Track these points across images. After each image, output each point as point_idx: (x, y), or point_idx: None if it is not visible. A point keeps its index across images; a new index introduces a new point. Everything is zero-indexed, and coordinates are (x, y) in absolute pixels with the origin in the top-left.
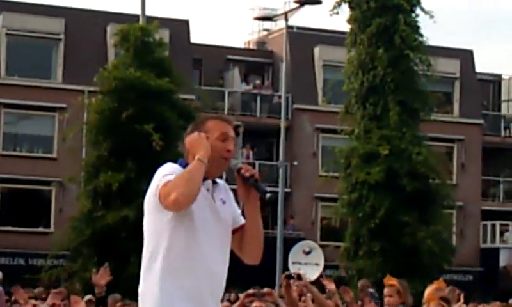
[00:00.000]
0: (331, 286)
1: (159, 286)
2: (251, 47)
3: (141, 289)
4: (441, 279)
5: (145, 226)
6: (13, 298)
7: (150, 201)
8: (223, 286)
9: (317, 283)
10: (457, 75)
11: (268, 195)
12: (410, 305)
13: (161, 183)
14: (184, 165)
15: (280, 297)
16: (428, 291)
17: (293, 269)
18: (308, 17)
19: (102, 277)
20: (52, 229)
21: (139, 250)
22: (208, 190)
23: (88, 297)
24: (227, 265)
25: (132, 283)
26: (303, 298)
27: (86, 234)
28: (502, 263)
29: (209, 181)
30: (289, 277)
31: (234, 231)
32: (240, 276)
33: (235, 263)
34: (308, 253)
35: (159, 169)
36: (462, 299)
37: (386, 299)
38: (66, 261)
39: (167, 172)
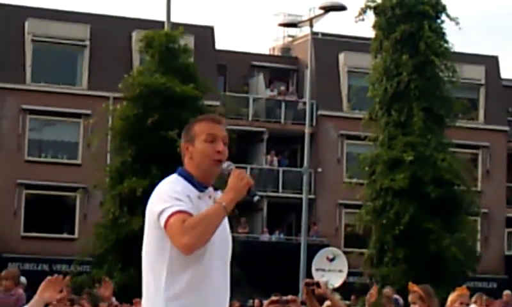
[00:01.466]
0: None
1: (164, 303)
2: (276, 53)
3: (145, 297)
4: (464, 286)
5: (147, 238)
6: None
7: (151, 219)
8: (227, 299)
9: (340, 289)
10: (482, 81)
11: (256, 198)
12: None
13: (169, 211)
14: (184, 175)
15: (302, 303)
16: (451, 297)
17: (316, 276)
18: (333, 23)
19: (105, 289)
20: (76, 235)
21: None
22: (210, 197)
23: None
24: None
25: None
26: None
27: (110, 240)
28: None
29: (211, 189)
30: (308, 285)
31: None
32: (264, 283)
33: (260, 270)
34: (331, 260)
35: (162, 184)
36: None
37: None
38: (91, 267)
39: (174, 195)
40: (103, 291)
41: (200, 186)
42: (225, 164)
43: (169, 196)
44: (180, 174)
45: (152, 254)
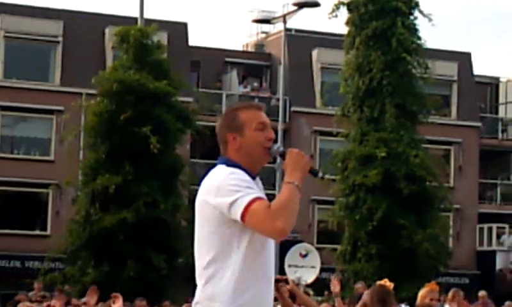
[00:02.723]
0: (336, 288)
1: (231, 296)
2: (249, 49)
3: (208, 294)
4: (433, 282)
5: (206, 235)
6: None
7: (214, 214)
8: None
9: (313, 285)
10: (455, 77)
11: (320, 174)
12: None
13: (246, 199)
14: (234, 165)
15: (275, 299)
16: (421, 293)
17: (289, 272)
18: (306, 20)
19: (90, 297)
20: (48, 232)
21: (136, 253)
22: (258, 186)
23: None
24: None
25: (129, 286)
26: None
27: (83, 237)
28: (498, 266)
29: (259, 180)
30: (277, 281)
31: None
32: None
33: None
34: (304, 256)
35: (219, 176)
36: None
37: None
38: (63, 264)
39: (244, 183)
40: (89, 300)
41: (250, 176)
42: (276, 146)
43: (237, 185)
44: (229, 165)
45: (215, 249)
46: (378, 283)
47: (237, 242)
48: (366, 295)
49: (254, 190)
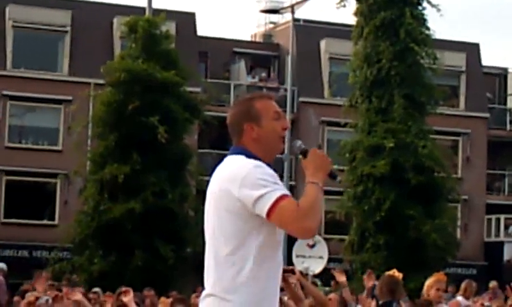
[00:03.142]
0: (341, 278)
1: (248, 290)
2: (258, 39)
3: (224, 287)
4: (441, 272)
5: (222, 225)
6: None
7: (236, 205)
8: None
9: (321, 275)
10: (463, 68)
11: (338, 178)
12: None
13: (274, 196)
14: (254, 157)
15: (281, 290)
16: (428, 283)
17: (297, 262)
18: (314, 10)
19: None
20: (56, 221)
21: (143, 243)
22: None
23: (96, 289)
24: None
25: (136, 276)
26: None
27: (91, 227)
28: (506, 257)
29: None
30: (284, 271)
31: None
32: None
33: None
34: (312, 246)
35: (245, 166)
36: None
37: None
38: (71, 254)
39: (271, 178)
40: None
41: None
42: (298, 143)
43: (264, 179)
44: (248, 156)
45: (233, 242)
46: (387, 273)
47: (256, 237)
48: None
49: (280, 186)
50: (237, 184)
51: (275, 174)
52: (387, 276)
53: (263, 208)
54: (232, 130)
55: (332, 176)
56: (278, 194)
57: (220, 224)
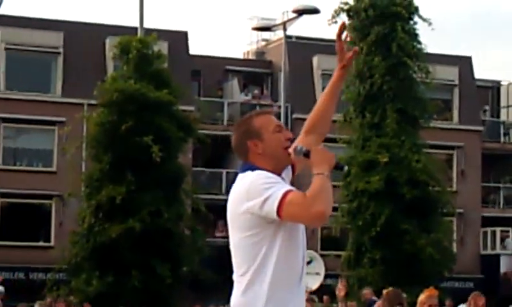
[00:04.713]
0: (342, 292)
1: (266, 303)
2: (250, 57)
3: (243, 303)
4: (432, 287)
5: (238, 243)
6: None
7: (245, 218)
8: None
9: (318, 292)
10: (456, 82)
11: (346, 167)
12: None
13: (279, 193)
14: (260, 169)
15: None
16: (420, 299)
17: None
18: (306, 27)
19: None
20: (52, 243)
21: (140, 263)
22: None
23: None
24: None
25: (134, 296)
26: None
27: (86, 248)
28: (502, 270)
29: (289, 168)
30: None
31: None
32: None
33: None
34: (308, 263)
35: (247, 180)
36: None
37: None
38: (67, 275)
39: (274, 180)
40: None
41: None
42: (298, 146)
43: (267, 182)
44: (254, 170)
45: (248, 256)
46: (391, 288)
47: (270, 248)
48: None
49: (284, 184)
50: (244, 198)
51: (278, 177)
52: (392, 290)
53: (272, 208)
54: (238, 152)
55: (338, 167)
56: (283, 190)
57: (234, 241)
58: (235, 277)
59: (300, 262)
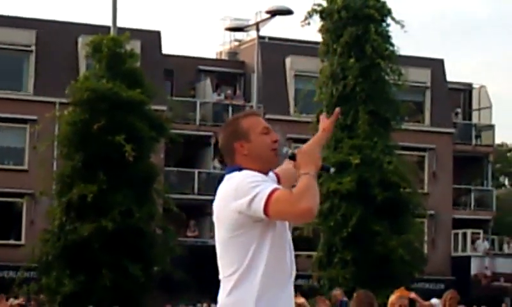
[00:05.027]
0: (299, 299)
1: (255, 302)
2: (223, 57)
3: (231, 303)
4: (402, 288)
5: (226, 243)
6: None
7: (233, 217)
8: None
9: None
10: (428, 84)
11: (332, 169)
12: None
13: (266, 191)
14: (245, 169)
15: None
16: (391, 300)
17: None
18: (279, 28)
19: None
20: (23, 241)
21: (111, 262)
22: None
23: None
24: None
25: (105, 295)
26: None
27: (57, 247)
28: (473, 271)
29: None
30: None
31: None
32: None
33: (208, 274)
34: None
35: (234, 180)
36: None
37: None
38: (37, 274)
39: (260, 178)
40: None
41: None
42: (284, 149)
43: (254, 181)
44: (241, 170)
45: (236, 256)
46: (361, 290)
47: (258, 247)
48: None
49: (271, 182)
50: (232, 197)
51: (265, 176)
52: (362, 292)
53: (259, 205)
54: (224, 152)
55: (325, 168)
56: (270, 188)
57: (222, 240)
58: (221, 277)
59: (288, 262)
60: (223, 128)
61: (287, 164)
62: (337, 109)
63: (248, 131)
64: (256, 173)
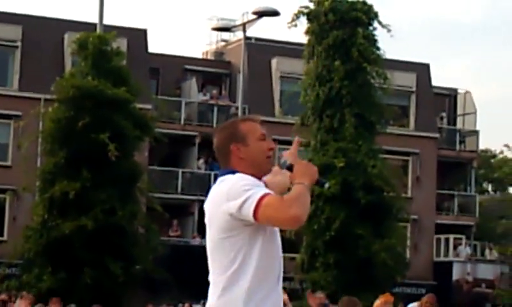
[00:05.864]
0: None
1: (245, 300)
2: (209, 57)
3: (220, 304)
4: (388, 293)
5: (217, 244)
6: None
7: (225, 219)
8: None
9: None
10: (414, 88)
11: (327, 185)
12: None
13: (257, 195)
14: (235, 173)
15: None
16: (376, 304)
17: None
18: (266, 29)
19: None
20: (5, 237)
21: (93, 260)
22: None
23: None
24: None
25: (85, 293)
26: None
27: (39, 244)
28: (455, 277)
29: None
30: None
31: None
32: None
33: (190, 274)
34: None
35: (227, 183)
36: None
37: None
38: (19, 270)
39: (253, 182)
40: None
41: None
42: (283, 159)
43: (247, 184)
44: (235, 173)
45: (227, 258)
46: (346, 296)
47: (248, 250)
48: None
49: (264, 188)
50: (224, 199)
51: (259, 181)
52: (347, 298)
53: (249, 209)
54: (219, 153)
55: (320, 183)
56: (261, 193)
57: (213, 241)
58: (211, 278)
59: (278, 264)
60: (221, 129)
61: (275, 174)
62: (297, 139)
63: (246, 135)
64: (249, 177)
